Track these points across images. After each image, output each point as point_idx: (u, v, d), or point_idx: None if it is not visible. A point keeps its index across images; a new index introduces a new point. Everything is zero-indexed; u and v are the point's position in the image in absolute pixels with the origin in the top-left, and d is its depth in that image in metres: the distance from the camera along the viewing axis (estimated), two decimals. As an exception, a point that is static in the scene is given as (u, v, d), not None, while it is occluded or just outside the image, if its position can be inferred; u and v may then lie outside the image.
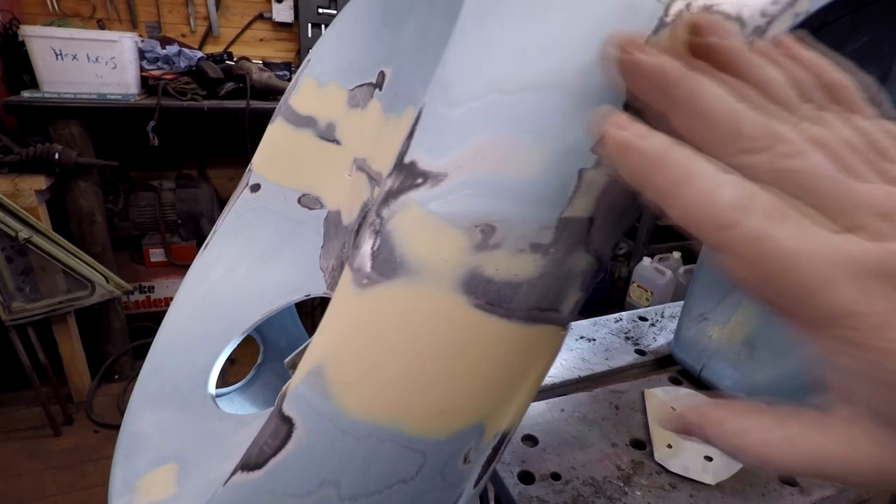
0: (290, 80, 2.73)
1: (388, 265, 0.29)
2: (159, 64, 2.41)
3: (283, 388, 0.35)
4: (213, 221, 2.83)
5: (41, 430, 2.23)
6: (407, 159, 0.31)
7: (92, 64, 2.13)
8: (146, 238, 2.68)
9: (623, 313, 1.27)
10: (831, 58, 0.28)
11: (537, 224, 0.28)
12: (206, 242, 0.77)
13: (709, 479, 0.77)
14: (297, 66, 2.99)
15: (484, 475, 0.36)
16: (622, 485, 0.76)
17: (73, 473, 2.06)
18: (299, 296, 0.73)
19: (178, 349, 0.70)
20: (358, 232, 0.60)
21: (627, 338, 1.17)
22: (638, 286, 3.31)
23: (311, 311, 2.50)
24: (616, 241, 0.30)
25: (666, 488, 0.76)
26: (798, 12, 0.28)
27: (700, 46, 0.26)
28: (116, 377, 2.56)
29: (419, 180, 0.30)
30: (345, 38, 0.66)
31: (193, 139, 2.86)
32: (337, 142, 0.70)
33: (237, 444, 0.52)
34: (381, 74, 0.63)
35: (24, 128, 2.29)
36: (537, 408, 0.90)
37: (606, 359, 1.08)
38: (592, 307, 3.35)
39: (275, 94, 2.45)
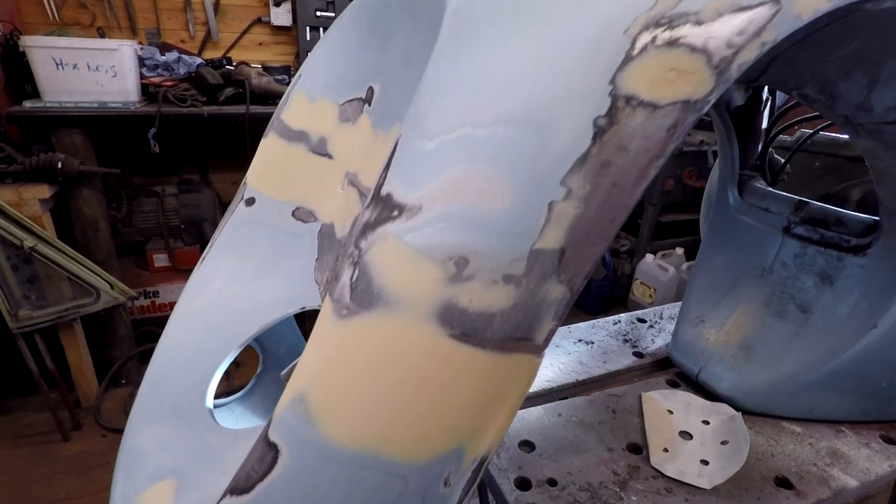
0: (289, 83, 2.74)
1: (366, 296, 0.30)
2: (159, 71, 2.42)
3: (271, 414, 0.36)
4: (215, 226, 2.85)
5: (50, 435, 2.26)
6: (384, 191, 0.31)
7: (92, 73, 2.15)
8: (150, 243, 2.70)
9: (622, 315, 1.28)
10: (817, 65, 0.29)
11: (509, 256, 0.28)
12: (202, 256, 0.78)
13: (704, 484, 0.78)
14: (297, 70, 3.01)
15: (464, 498, 0.37)
16: (618, 490, 0.77)
17: (83, 478, 2.08)
18: (295, 308, 0.74)
19: (176, 363, 0.71)
20: (338, 260, 0.61)
21: (626, 340, 1.17)
22: (641, 283, 3.31)
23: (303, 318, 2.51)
24: (589, 271, 0.30)
25: (662, 493, 0.77)
26: (764, 42, 0.29)
27: None
28: (123, 382, 2.59)
29: (395, 212, 0.30)
30: (334, 54, 0.67)
31: (194, 144, 2.88)
32: (329, 156, 0.71)
33: (234, 459, 0.53)
34: (370, 90, 0.64)
35: (26, 137, 2.31)
36: (535, 413, 0.91)
37: (604, 362, 1.08)
38: (596, 304, 3.36)
39: (274, 98, 2.46)
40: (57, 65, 2.10)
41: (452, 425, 0.31)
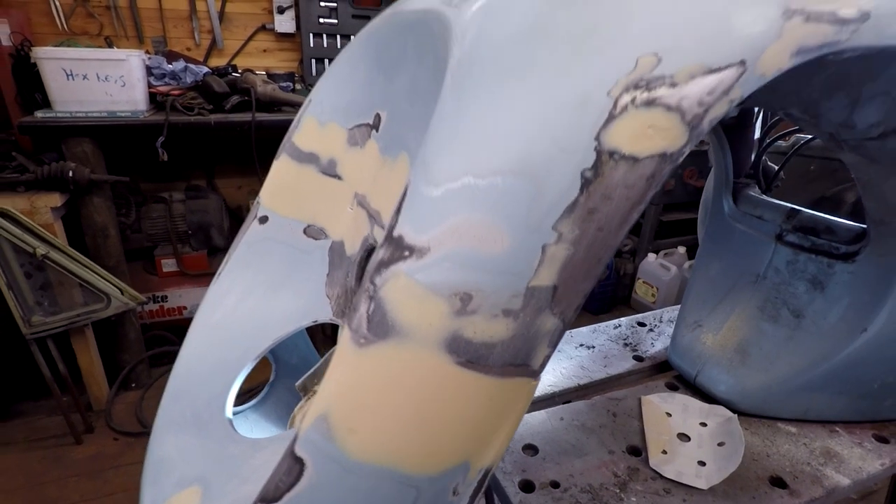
0: (293, 91, 2.78)
1: (381, 328, 0.34)
2: (166, 80, 2.47)
3: (295, 430, 0.40)
4: (222, 231, 2.88)
5: (63, 438, 2.31)
6: (396, 233, 0.35)
7: (102, 83, 2.19)
8: (158, 249, 2.74)
9: (622, 319, 1.31)
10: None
11: (508, 293, 0.32)
12: (218, 272, 0.82)
13: (702, 484, 0.81)
14: (301, 76, 3.05)
15: (471, 504, 0.41)
16: (618, 491, 0.80)
17: (95, 480, 2.13)
18: (307, 321, 0.77)
19: (195, 375, 0.75)
20: (356, 292, 0.64)
21: (626, 344, 1.21)
22: (644, 282, 3.34)
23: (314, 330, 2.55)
24: (579, 304, 0.34)
25: (660, 493, 0.80)
26: (732, 99, 0.32)
27: None
28: (133, 385, 2.64)
29: (406, 253, 0.34)
30: (342, 82, 0.70)
31: (201, 151, 2.93)
32: (338, 177, 0.75)
33: (254, 468, 0.57)
34: (378, 117, 0.67)
35: (38, 146, 2.35)
36: (538, 417, 0.95)
37: (605, 366, 1.12)
38: (599, 304, 3.39)
39: (279, 105, 2.50)
40: (67, 75, 2.14)
41: (460, 441, 0.35)
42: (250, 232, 0.81)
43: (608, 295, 3.43)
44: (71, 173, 2.10)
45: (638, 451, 0.88)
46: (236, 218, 3.05)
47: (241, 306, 0.79)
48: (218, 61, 2.93)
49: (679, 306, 1.18)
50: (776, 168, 1.15)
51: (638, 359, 1.15)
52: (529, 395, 0.37)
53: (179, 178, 2.96)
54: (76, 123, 2.17)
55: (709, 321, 1.08)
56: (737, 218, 1.07)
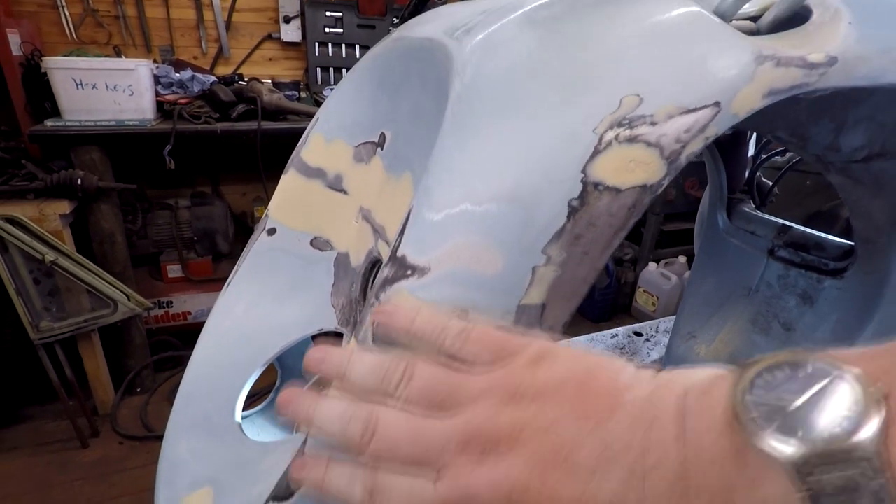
0: (299, 99, 2.82)
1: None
2: (174, 89, 2.51)
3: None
4: (227, 237, 2.91)
5: (69, 442, 2.33)
6: (399, 253, 0.38)
7: (110, 92, 2.23)
8: (164, 255, 2.78)
9: (619, 329, 1.34)
10: None
11: (501, 310, 0.35)
12: (228, 281, 0.85)
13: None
14: (306, 84, 3.09)
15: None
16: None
17: (102, 484, 2.15)
18: (313, 329, 0.80)
19: (206, 380, 0.78)
20: (360, 302, 0.67)
21: (623, 354, 1.24)
22: (644, 291, 3.37)
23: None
24: (566, 320, 0.37)
25: None
26: (707, 136, 0.36)
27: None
28: (138, 390, 2.66)
29: (409, 272, 0.37)
30: (348, 102, 0.74)
31: (207, 158, 2.96)
32: (344, 191, 0.78)
33: (263, 470, 0.60)
34: (382, 135, 0.71)
35: (46, 154, 2.39)
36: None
37: (601, 375, 1.14)
38: (599, 312, 3.41)
39: (285, 114, 2.54)
40: (77, 85, 2.18)
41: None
42: (259, 243, 0.84)
43: (609, 304, 3.44)
44: (79, 181, 2.14)
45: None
46: (241, 224, 3.08)
47: (249, 314, 0.82)
48: (224, 69, 2.97)
49: (674, 317, 1.21)
50: (770, 184, 1.18)
51: (634, 368, 1.18)
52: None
53: (185, 184, 3.00)
54: (85, 132, 2.20)
55: (702, 332, 1.11)
56: (731, 233, 1.10)
